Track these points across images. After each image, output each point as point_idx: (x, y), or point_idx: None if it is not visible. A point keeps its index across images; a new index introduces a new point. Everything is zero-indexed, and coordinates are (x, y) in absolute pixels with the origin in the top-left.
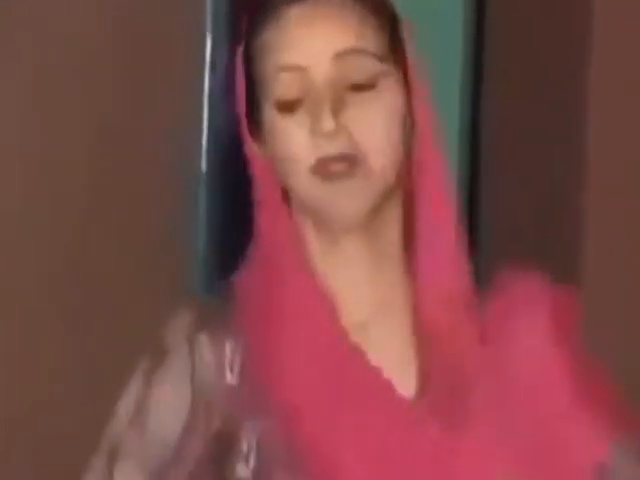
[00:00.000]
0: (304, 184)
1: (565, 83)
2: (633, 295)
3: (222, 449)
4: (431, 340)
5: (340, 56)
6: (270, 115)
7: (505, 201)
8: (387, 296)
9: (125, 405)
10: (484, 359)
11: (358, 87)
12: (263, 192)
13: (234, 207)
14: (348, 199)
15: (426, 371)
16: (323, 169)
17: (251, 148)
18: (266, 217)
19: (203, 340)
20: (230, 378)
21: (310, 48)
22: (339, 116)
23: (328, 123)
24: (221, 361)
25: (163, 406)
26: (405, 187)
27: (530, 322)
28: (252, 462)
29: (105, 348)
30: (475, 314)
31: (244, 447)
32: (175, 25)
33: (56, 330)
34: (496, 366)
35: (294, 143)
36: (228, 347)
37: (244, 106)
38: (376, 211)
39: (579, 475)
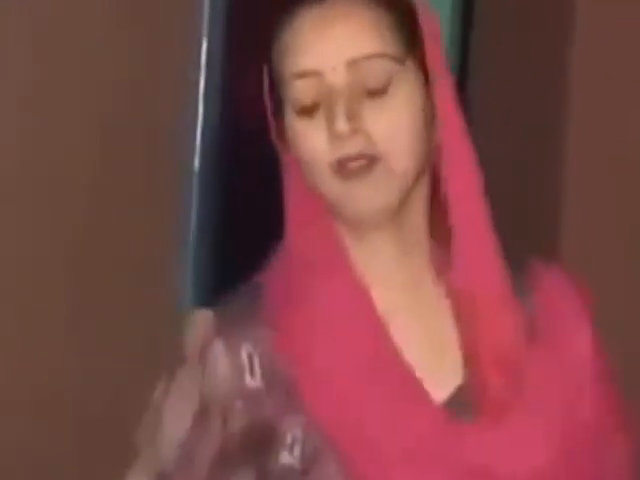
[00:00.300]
0: (325, 184)
1: (549, 60)
2: (611, 267)
3: (256, 443)
4: (471, 325)
5: (355, 62)
6: (290, 118)
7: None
8: (417, 283)
9: (148, 411)
10: (533, 353)
11: (374, 91)
12: (292, 190)
13: (226, 205)
14: (368, 197)
15: (470, 356)
16: (342, 169)
17: (280, 149)
18: (296, 214)
19: (218, 347)
20: (250, 380)
21: (325, 53)
22: (355, 118)
23: (342, 125)
24: (239, 365)
25: (173, 412)
26: (430, 174)
27: (573, 321)
28: (296, 451)
29: (103, 346)
30: (515, 304)
31: (288, 439)
32: (172, 26)
33: (55, 329)
34: (545, 361)
35: (314, 145)
36: (244, 352)
37: (271, 109)
38: (400, 205)
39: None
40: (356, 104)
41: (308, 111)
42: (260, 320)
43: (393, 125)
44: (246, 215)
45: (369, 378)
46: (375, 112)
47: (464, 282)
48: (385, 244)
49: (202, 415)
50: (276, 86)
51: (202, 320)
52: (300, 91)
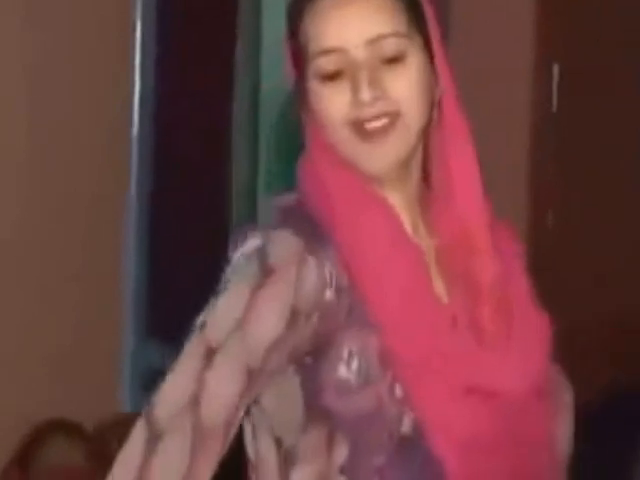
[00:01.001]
0: (345, 142)
1: None
2: None
3: (321, 353)
4: (464, 259)
5: (373, 41)
6: (314, 85)
7: None
8: (415, 230)
9: (227, 314)
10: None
11: (390, 61)
12: (315, 147)
13: (164, 171)
14: (384, 154)
15: (450, 281)
16: (362, 130)
17: (301, 114)
18: (321, 162)
19: (311, 263)
20: (329, 295)
21: (347, 34)
22: (376, 86)
23: (365, 94)
24: (323, 281)
25: (267, 315)
26: (425, 136)
27: (515, 262)
28: (354, 365)
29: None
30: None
31: (345, 352)
32: (108, 6)
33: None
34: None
35: (337, 107)
36: (327, 269)
37: (295, 80)
38: (407, 160)
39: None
40: (376, 73)
41: (331, 77)
42: (328, 241)
43: (409, 88)
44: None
45: (414, 295)
46: (393, 76)
47: (460, 222)
48: (394, 196)
49: (291, 321)
50: (300, 60)
51: (290, 238)
52: (325, 63)
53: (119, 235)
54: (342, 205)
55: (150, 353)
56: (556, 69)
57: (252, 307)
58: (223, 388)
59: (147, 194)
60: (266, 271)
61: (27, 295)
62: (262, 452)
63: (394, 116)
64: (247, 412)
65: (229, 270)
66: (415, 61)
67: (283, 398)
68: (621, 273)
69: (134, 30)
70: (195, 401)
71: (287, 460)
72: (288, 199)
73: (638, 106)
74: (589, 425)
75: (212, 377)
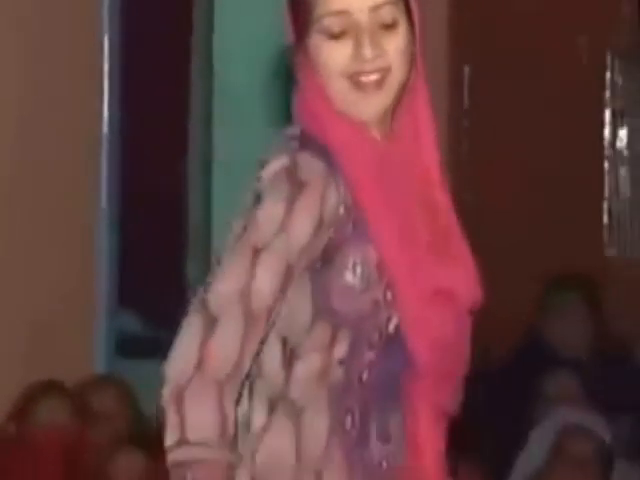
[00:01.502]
0: (341, 90)
1: None
2: None
3: (330, 261)
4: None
5: (375, 7)
6: (319, 41)
7: None
8: None
9: (268, 220)
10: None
11: (388, 26)
12: (309, 90)
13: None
14: (375, 102)
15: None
16: (359, 82)
17: (298, 60)
18: (317, 105)
19: (332, 182)
20: (342, 210)
21: (353, 2)
22: (376, 46)
23: (368, 52)
24: (338, 198)
25: (302, 222)
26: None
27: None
28: (357, 273)
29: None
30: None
31: (350, 262)
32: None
33: None
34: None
35: (339, 61)
36: (342, 188)
37: (294, 35)
38: (389, 107)
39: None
40: (376, 35)
41: (337, 36)
42: (335, 165)
43: (399, 50)
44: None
45: (401, 214)
46: (388, 40)
47: (423, 157)
48: (374, 134)
49: (317, 230)
50: (303, 20)
51: (313, 159)
52: (332, 23)
53: (93, 209)
54: (337, 139)
55: (122, 321)
56: (467, 70)
57: (290, 215)
58: (269, 280)
59: (119, 165)
60: (299, 186)
61: (7, 264)
62: (266, 350)
63: (386, 72)
64: None
65: (262, 186)
66: (403, 28)
67: (295, 301)
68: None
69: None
70: (246, 291)
71: (292, 355)
72: (294, 130)
73: (545, 100)
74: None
75: (260, 271)
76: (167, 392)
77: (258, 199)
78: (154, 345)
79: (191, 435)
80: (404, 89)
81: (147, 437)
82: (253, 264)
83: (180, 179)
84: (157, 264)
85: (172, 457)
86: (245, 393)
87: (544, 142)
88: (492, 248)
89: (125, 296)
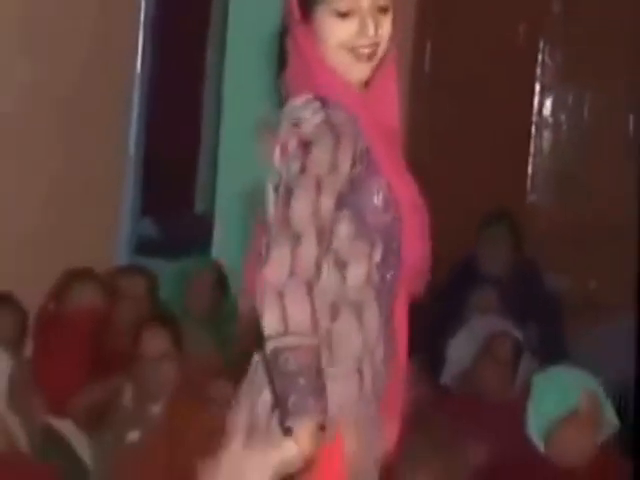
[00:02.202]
0: (341, 58)
1: None
2: None
3: (359, 189)
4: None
5: None
6: (328, 17)
7: None
8: None
9: (323, 162)
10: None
11: (382, 9)
12: (305, 54)
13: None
14: (364, 71)
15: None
16: (357, 52)
17: (299, 29)
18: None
19: (356, 127)
20: (364, 152)
21: None
22: (375, 25)
23: (372, 30)
24: (362, 143)
25: (345, 162)
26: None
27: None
28: (381, 197)
29: None
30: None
31: (375, 187)
32: None
33: None
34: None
35: (344, 36)
36: (361, 136)
37: (300, 6)
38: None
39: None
40: (375, 17)
41: (343, 15)
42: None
43: (388, 29)
44: None
45: (393, 151)
46: (382, 21)
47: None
48: (359, 92)
49: (353, 166)
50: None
51: (340, 115)
52: (340, 4)
53: (125, 138)
54: (346, 97)
55: (142, 226)
56: (428, 44)
57: (336, 158)
58: (329, 205)
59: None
60: (337, 135)
61: (64, 179)
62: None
63: (377, 47)
64: None
65: (309, 135)
66: (391, 12)
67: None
68: None
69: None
70: (317, 214)
71: (342, 265)
72: (306, 96)
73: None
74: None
75: (323, 198)
76: (268, 291)
77: (307, 145)
78: (164, 247)
79: (292, 326)
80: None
81: (166, 317)
82: (318, 194)
83: (194, 127)
84: (172, 184)
85: (275, 344)
86: None
87: (487, 107)
88: (443, 191)
89: (145, 207)
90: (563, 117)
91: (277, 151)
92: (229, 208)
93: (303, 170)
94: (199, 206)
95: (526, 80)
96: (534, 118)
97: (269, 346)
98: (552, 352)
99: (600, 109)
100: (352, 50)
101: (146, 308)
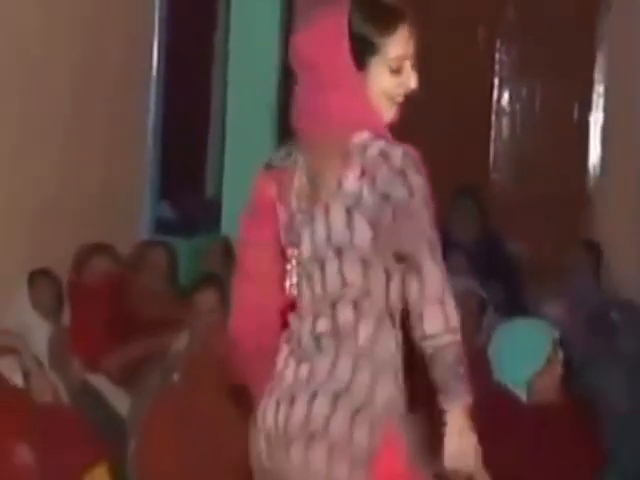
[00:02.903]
0: (383, 104)
1: None
2: None
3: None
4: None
5: (412, 55)
6: (379, 68)
7: None
8: None
9: (421, 187)
10: None
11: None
12: (359, 98)
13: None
14: (395, 113)
15: None
16: (394, 100)
17: (354, 75)
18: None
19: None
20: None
21: (408, 50)
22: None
23: (413, 84)
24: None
25: (426, 187)
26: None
27: None
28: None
29: None
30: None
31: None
32: None
33: None
34: None
35: (390, 87)
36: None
37: (349, 56)
38: None
39: None
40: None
41: (394, 71)
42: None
43: None
44: None
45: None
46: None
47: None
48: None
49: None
50: (365, 50)
51: (404, 148)
52: (394, 62)
53: (141, 114)
54: (389, 135)
55: (160, 209)
56: None
57: (424, 182)
58: (431, 218)
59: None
60: (416, 165)
61: (83, 164)
62: (372, 275)
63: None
64: None
65: (401, 165)
66: None
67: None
68: None
69: None
70: (431, 224)
71: (389, 278)
72: (367, 134)
73: None
74: None
75: (429, 220)
76: (431, 302)
77: (403, 173)
78: (179, 226)
79: (450, 327)
80: None
81: (214, 278)
82: (428, 211)
83: (204, 110)
84: (185, 171)
85: (442, 340)
86: (350, 308)
87: (453, 99)
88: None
89: (163, 192)
90: (518, 106)
91: (351, 177)
92: (235, 192)
93: (412, 194)
94: (209, 191)
95: (486, 75)
96: (494, 107)
97: (432, 343)
98: (513, 307)
99: (549, 99)
100: (391, 97)
101: (167, 276)
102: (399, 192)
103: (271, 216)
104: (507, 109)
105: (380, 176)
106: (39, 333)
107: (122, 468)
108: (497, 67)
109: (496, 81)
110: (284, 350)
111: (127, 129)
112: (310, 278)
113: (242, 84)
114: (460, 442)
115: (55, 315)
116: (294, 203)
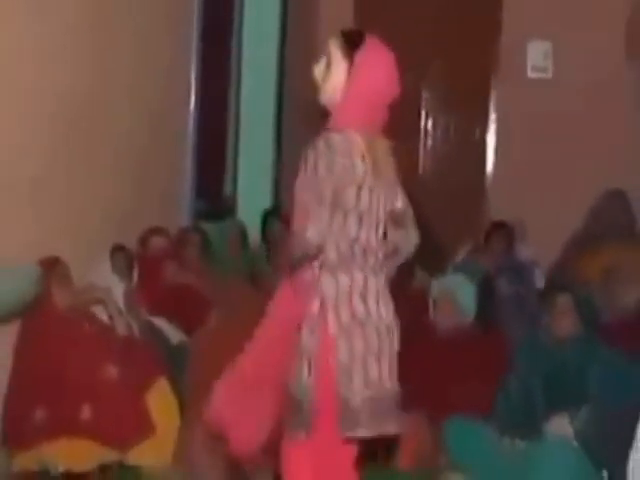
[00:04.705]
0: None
1: None
2: None
3: None
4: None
5: None
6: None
7: None
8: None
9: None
10: None
11: None
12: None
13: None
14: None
15: None
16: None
17: None
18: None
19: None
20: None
21: None
22: None
23: None
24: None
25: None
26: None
27: None
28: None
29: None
30: None
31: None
32: None
33: None
34: None
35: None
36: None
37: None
38: None
39: None
40: None
41: None
42: None
43: None
44: None
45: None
46: None
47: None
48: None
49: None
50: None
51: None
52: None
53: (184, 115)
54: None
55: (196, 205)
56: None
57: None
58: None
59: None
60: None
61: (125, 163)
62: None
63: None
64: None
65: None
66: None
67: None
68: None
69: None
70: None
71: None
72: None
73: None
74: None
75: None
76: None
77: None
78: (210, 215)
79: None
80: None
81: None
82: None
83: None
84: (210, 173)
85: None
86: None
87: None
88: None
89: (198, 191)
90: (439, 130)
91: None
92: (247, 191)
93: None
94: (227, 190)
95: (415, 109)
96: (422, 132)
97: None
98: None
99: (460, 124)
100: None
101: (201, 251)
102: None
103: None
104: (430, 132)
105: None
106: (117, 290)
107: (176, 381)
108: (423, 104)
109: (423, 112)
110: None
111: (170, 139)
112: None
113: (251, 101)
114: None
115: (128, 277)
116: None
